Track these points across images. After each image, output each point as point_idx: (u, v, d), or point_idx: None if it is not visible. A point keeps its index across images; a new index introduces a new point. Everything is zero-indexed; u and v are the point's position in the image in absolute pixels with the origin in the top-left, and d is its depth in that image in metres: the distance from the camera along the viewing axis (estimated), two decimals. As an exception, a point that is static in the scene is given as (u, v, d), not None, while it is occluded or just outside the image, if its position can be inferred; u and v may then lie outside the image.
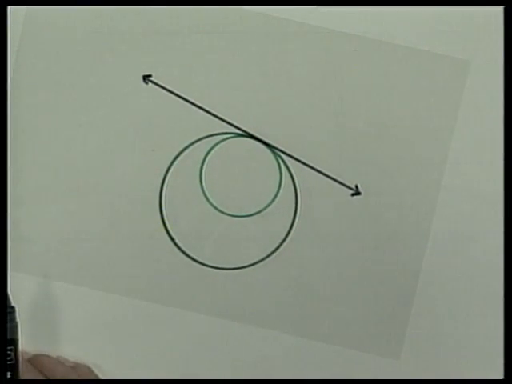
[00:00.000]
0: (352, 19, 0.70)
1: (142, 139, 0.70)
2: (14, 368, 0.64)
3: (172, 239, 0.70)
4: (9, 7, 0.68)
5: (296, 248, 0.71)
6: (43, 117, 0.70)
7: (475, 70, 0.70)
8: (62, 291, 0.70)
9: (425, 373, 0.71)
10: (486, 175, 0.71)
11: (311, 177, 0.71)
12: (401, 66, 0.70)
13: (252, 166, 0.71)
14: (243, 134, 0.71)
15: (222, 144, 0.71)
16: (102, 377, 0.69)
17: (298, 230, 0.71)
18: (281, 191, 0.71)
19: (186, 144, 0.70)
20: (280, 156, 0.71)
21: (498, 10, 0.70)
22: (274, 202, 0.71)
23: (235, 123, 0.70)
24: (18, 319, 0.66)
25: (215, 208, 0.71)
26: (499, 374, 0.69)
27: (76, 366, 0.69)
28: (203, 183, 0.71)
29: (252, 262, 0.71)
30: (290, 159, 0.71)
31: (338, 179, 0.71)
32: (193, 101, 0.70)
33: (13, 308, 0.65)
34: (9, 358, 0.64)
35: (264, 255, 0.71)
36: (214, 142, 0.71)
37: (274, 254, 0.71)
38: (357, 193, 0.71)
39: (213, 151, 0.71)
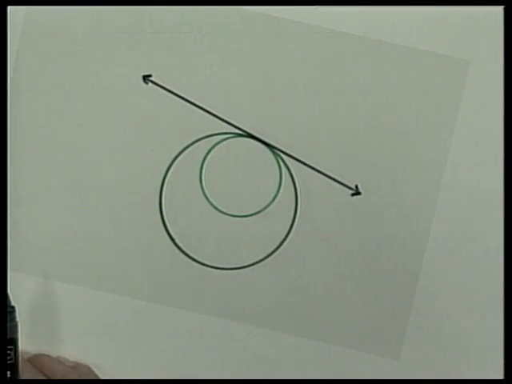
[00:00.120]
0: (352, 19, 0.70)
1: (142, 139, 0.70)
2: (14, 367, 0.64)
3: (172, 239, 0.70)
4: (9, 7, 0.69)
5: (296, 248, 0.71)
6: (43, 117, 0.70)
7: (475, 70, 0.70)
8: (62, 291, 0.70)
9: (425, 373, 0.71)
10: (486, 175, 0.71)
11: (311, 177, 0.71)
12: (401, 66, 0.70)
13: (252, 166, 0.71)
14: (243, 133, 0.71)
15: (221, 144, 0.71)
16: (102, 377, 0.69)
17: (297, 230, 0.71)
18: (281, 191, 0.71)
19: (186, 144, 0.71)
20: (280, 156, 0.71)
21: (498, 10, 0.70)
22: (274, 202, 0.71)
23: (235, 123, 0.70)
24: (17, 319, 0.66)
25: (215, 208, 0.71)
26: (499, 374, 0.69)
27: (76, 366, 0.69)
28: (203, 183, 0.71)
29: (252, 261, 0.71)
30: (290, 159, 0.71)
31: (338, 179, 0.71)
32: (193, 101, 0.70)
33: (13, 307, 0.65)
34: (9, 358, 0.64)
35: (264, 255, 0.71)
36: (213, 142, 0.71)
37: (274, 254, 0.71)
38: (357, 193, 0.71)
39: (213, 151, 0.71)
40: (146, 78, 0.70)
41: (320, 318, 0.71)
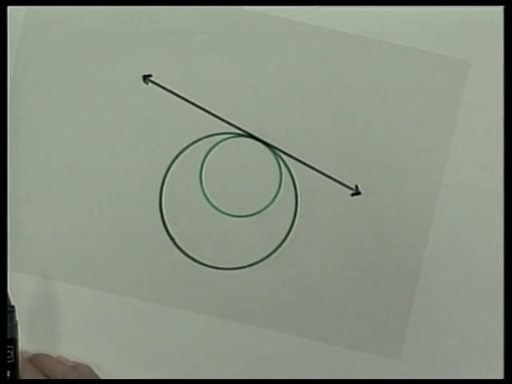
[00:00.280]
0: (352, 19, 0.70)
1: (142, 139, 0.70)
2: (14, 367, 0.64)
3: (172, 239, 0.70)
4: (9, 7, 0.69)
5: (296, 248, 0.71)
6: (43, 117, 0.70)
7: (475, 70, 0.70)
8: (62, 291, 0.70)
9: (425, 373, 0.71)
10: (486, 175, 0.71)
11: (311, 177, 0.71)
12: (401, 66, 0.70)
13: (252, 166, 0.71)
14: (243, 133, 0.71)
15: (221, 144, 0.71)
16: (102, 377, 0.69)
17: (297, 230, 0.71)
18: (281, 191, 0.71)
19: (186, 144, 0.71)
20: (280, 156, 0.71)
21: (498, 10, 0.70)
22: (274, 202, 0.71)
23: (235, 123, 0.70)
24: (17, 318, 0.66)
25: (215, 208, 0.71)
26: (499, 374, 0.69)
27: (76, 366, 0.69)
28: (203, 183, 0.71)
29: (252, 261, 0.71)
30: (290, 159, 0.71)
31: (338, 179, 0.71)
32: (193, 101, 0.70)
33: (13, 307, 0.65)
34: (8, 358, 0.64)
35: (264, 255, 0.71)
36: (213, 142, 0.71)
37: (274, 254, 0.71)
38: (357, 193, 0.71)
39: (213, 151, 0.71)
40: (146, 78, 0.70)
41: (320, 318, 0.71)
